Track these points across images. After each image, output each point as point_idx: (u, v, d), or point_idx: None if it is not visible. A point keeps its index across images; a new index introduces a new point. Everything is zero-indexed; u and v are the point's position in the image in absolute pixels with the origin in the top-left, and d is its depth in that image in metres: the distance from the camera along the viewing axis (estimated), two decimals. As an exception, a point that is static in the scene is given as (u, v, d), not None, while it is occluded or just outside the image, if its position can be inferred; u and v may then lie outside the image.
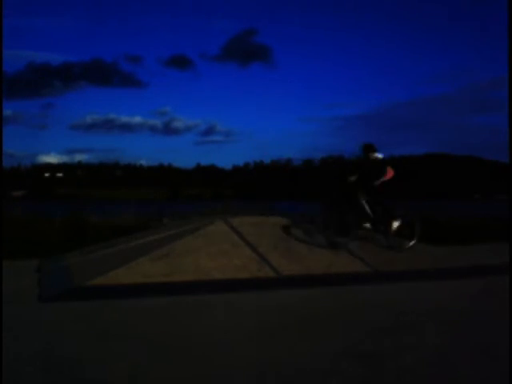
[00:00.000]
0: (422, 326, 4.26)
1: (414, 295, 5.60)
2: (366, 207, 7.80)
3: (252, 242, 7.72)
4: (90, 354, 3.55)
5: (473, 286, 6.02)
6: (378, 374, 3.16)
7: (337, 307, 5.04)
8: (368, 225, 7.85)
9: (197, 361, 3.42)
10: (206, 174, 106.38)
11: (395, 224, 7.88)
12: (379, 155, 8.17)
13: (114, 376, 3.14)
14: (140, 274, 6.25)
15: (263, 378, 3.12)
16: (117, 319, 4.55)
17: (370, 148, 8.17)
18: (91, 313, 4.78)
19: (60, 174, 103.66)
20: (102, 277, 6.05)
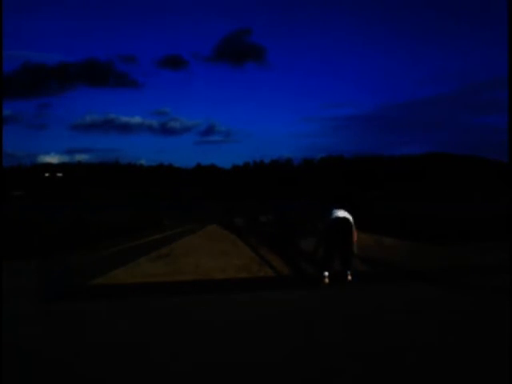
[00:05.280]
0: (416, 325, 4.26)
1: (412, 295, 5.60)
2: None
3: (252, 243, 7.74)
4: (90, 353, 3.56)
5: (472, 286, 6.01)
6: (372, 369, 3.17)
7: (336, 307, 5.04)
8: None
9: (197, 360, 3.42)
10: (206, 174, 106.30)
11: None
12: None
13: (114, 375, 3.14)
14: (140, 273, 6.26)
15: (263, 378, 3.12)
16: (117, 319, 4.55)
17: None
18: (91, 313, 4.78)
19: (60, 174, 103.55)
20: (102, 277, 6.07)
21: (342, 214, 6.36)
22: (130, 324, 4.40)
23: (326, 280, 6.08)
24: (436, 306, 5.03)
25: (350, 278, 6.16)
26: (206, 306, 5.04)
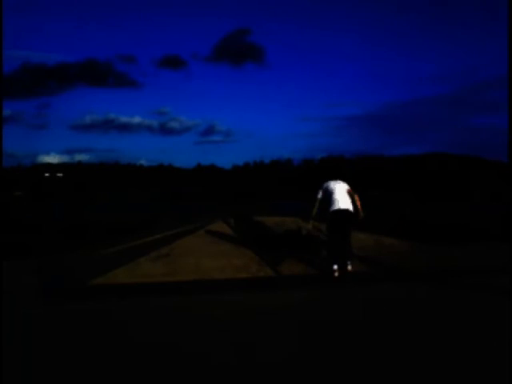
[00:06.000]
0: (416, 326, 4.27)
1: (412, 295, 5.60)
2: None
3: (252, 242, 7.74)
4: (89, 353, 3.56)
5: (472, 286, 6.02)
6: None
7: (336, 307, 5.05)
8: None
9: (196, 360, 3.43)
10: (206, 174, 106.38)
11: None
12: None
13: (113, 375, 3.15)
14: (140, 274, 6.26)
15: (262, 379, 3.12)
16: (117, 319, 4.55)
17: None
18: (91, 313, 4.78)
19: (60, 174, 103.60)
20: (102, 277, 6.07)
21: (341, 203, 6.42)
22: (129, 324, 4.40)
23: (336, 274, 6.18)
24: (436, 306, 5.03)
25: (350, 268, 6.16)
26: (205, 306, 5.04)
